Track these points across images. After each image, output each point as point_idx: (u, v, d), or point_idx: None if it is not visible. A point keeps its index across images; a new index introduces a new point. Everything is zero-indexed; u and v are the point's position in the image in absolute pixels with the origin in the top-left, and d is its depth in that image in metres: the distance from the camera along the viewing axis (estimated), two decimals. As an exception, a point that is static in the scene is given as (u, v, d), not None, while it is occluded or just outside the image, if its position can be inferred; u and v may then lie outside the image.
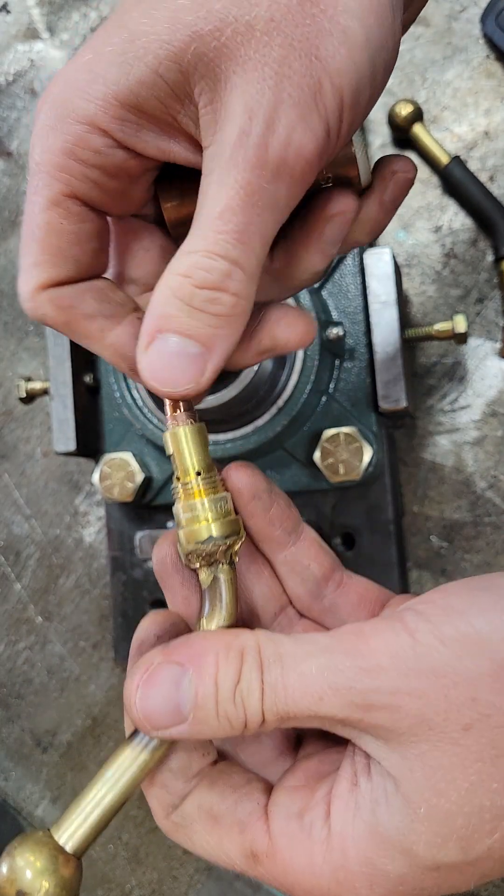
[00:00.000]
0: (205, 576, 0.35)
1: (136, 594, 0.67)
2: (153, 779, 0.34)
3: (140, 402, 0.61)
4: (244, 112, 0.29)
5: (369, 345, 0.58)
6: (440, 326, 0.58)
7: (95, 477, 0.62)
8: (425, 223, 0.65)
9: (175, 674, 0.31)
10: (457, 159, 0.63)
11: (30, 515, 0.75)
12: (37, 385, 0.66)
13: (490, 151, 0.64)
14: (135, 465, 0.60)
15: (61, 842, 0.30)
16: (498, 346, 0.63)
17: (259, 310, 0.35)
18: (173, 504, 0.36)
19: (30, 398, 0.66)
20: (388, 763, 0.30)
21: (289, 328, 0.36)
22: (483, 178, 0.64)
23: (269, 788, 0.34)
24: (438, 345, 0.64)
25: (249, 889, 0.66)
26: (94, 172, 0.32)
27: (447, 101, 0.66)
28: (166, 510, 0.64)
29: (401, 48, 0.66)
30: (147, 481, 0.61)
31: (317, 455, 0.57)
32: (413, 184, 0.37)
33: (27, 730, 0.74)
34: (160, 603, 0.67)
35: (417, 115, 0.64)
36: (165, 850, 0.70)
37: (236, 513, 0.36)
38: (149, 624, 0.36)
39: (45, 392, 0.66)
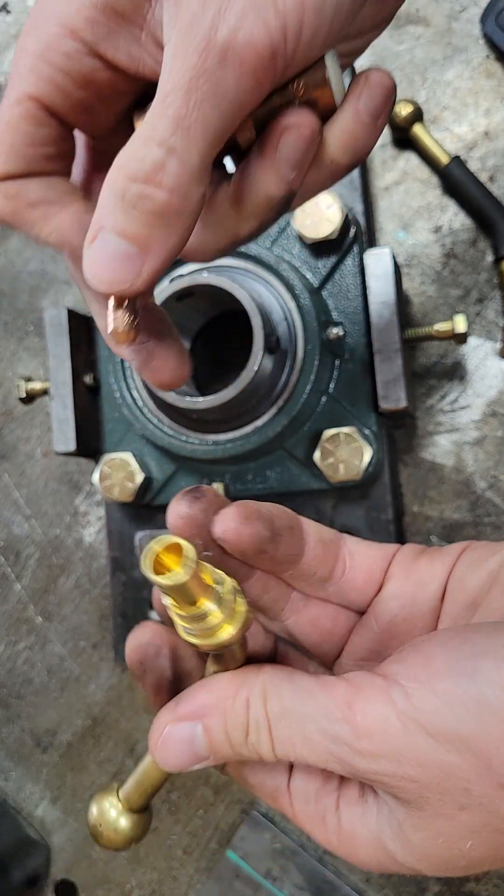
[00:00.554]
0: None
1: (136, 594, 0.67)
2: None
3: (140, 403, 0.61)
4: (199, 0, 0.29)
5: (369, 345, 0.58)
6: (440, 326, 0.58)
7: (95, 477, 0.62)
8: (425, 223, 0.65)
9: (187, 731, 0.33)
10: (457, 159, 0.63)
11: (30, 515, 0.75)
12: (37, 385, 0.66)
13: (490, 151, 0.64)
14: (135, 466, 0.60)
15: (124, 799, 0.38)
16: (498, 346, 0.63)
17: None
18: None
19: (30, 398, 0.66)
20: (395, 808, 0.31)
21: None
22: (483, 178, 0.64)
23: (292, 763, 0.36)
24: (438, 345, 0.64)
25: (250, 889, 0.66)
26: (62, 78, 0.32)
27: (447, 101, 0.66)
28: (166, 510, 0.64)
29: (400, 48, 0.66)
30: (147, 481, 0.61)
31: (317, 455, 0.57)
32: (393, 94, 0.34)
33: (27, 730, 0.74)
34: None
35: (417, 116, 0.64)
36: (165, 851, 0.70)
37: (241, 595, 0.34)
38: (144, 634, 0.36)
39: (45, 392, 0.66)
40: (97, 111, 0.34)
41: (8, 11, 0.79)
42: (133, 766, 0.71)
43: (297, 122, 0.33)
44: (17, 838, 0.72)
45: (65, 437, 0.63)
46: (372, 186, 0.67)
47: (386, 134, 0.67)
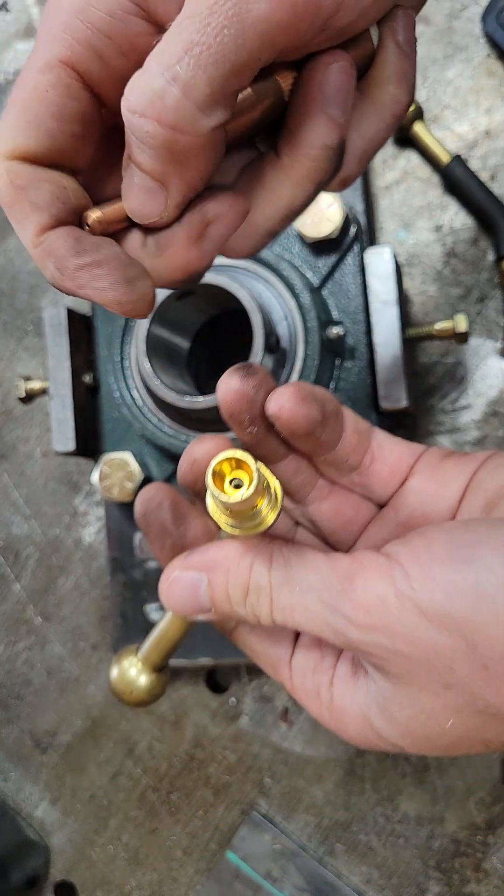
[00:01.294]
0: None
1: (135, 595, 0.67)
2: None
3: (139, 402, 0.61)
4: None
5: (370, 344, 0.58)
6: (441, 326, 0.58)
7: (95, 477, 0.61)
8: (426, 222, 0.65)
9: (193, 580, 0.35)
10: (458, 158, 0.63)
11: (29, 515, 0.75)
12: (36, 385, 0.66)
13: (491, 150, 0.64)
14: (134, 465, 0.60)
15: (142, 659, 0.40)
16: (499, 345, 0.63)
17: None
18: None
19: (29, 398, 0.66)
20: (382, 685, 0.33)
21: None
22: (484, 177, 0.64)
23: (297, 637, 0.38)
24: (439, 344, 0.64)
25: (250, 890, 0.66)
26: (102, 41, 0.28)
27: (448, 99, 0.66)
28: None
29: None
30: (146, 481, 0.61)
31: (317, 455, 0.57)
32: (415, 21, 0.33)
33: (26, 731, 0.74)
34: (161, 605, 0.67)
35: (418, 114, 0.64)
36: (165, 852, 0.70)
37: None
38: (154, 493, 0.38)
39: (44, 392, 0.66)
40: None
41: (7, 10, 0.79)
42: (131, 767, 0.71)
43: (336, 57, 0.30)
44: (16, 839, 0.72)
45: (64, 436, 0.63)
46: (372, 185, 0.66)
47: (386, 133, 0.67)
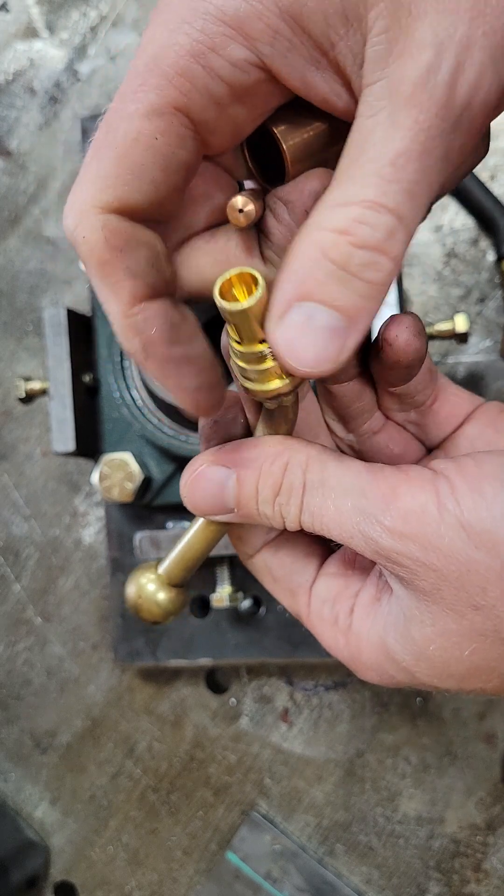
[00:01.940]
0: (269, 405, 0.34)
1: (135, 595, 0.67)
2: (235, 531, 0.37)
3: (139, 403, 0.61)
4: (433, 45, 0.24)
5: (370, 344, 0.58)
6: (441, 326, 0.58)
7: (94, 477, 0.61)
8: (426, 223, 0.65)
9: (221, 476, 0.33)
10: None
11: (29, 516, 0.75)
12: (36, 385, 0.66)
13: (491, 151, 0.64)
14: (134, 466, 0.60)
15: (163, 574, 0.38)
16: (499, 344, 0.63)
17: None
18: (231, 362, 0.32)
19: (29, 398, 0.66)
20: (406, 604, 0.31)
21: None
22: (483, 177, 0.64)
23: (321, 564, 0.37)
24: (440, 344, 0.64)
25: (249, 891, 0.66)
26: (221, 88, 0.27)
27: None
28: (166, 510, 0.64)
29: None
30: (146, 482, 0.61)
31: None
32: None
33: (26, 731, 0.74)
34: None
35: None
36: (165, 852, 0.70)
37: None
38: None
39: (44, 392, 0.66)
40: (239, 127, 0.29)
41: (7, 10, 0.79)
42: (131, 767, 0.71)
43: None
44: (16, 840, 0.72)
45: (64, 437, 0.63)
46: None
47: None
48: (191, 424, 0.60)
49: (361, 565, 0.36)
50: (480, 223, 0.64)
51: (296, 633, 0.63)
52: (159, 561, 0.38)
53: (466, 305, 0.64)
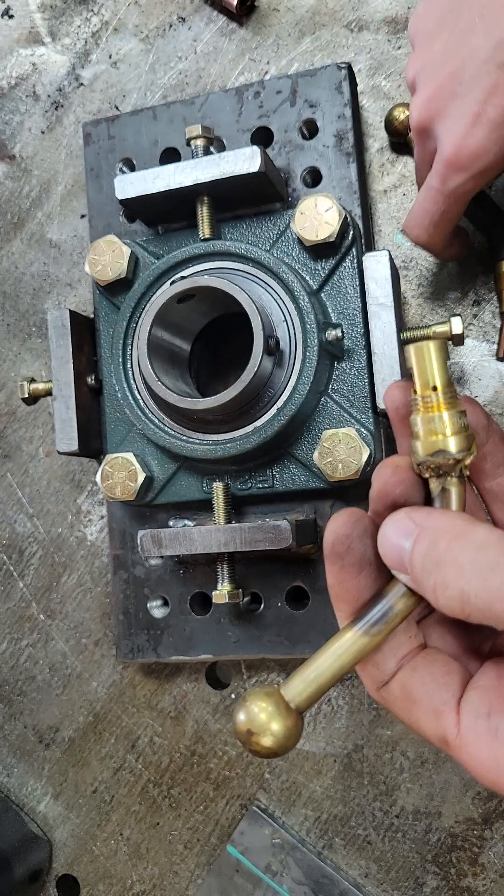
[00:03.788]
0: (434, 485, 0.36)
1: (137, 592, 0.67)
2: (368, 657, 0.36)
3: (142, 403, 0.62)
4: None
5: (368, 346, 0.59)
6: (437, 328, 0.59)
7: (98, 476, 0.62)
8: (423, 226, 0.66)
9: (407, 530, 0.34)
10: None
11: (33, 514, 0.76)
12: (40, 386, 0.67)
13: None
14: (136, 465, 0.61)
15: (287, 698, 0.35)
16: (494, 347, 0.64)
17: None
18: (411, 416, 0.37)
19: (33, 399, 0.67)
20: None
21: None
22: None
23: (466, 681, 0.36)
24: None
25: (249, 884, 0.67)
26: None
27: (445, 105, 0.67)
28: (168, 509, 0.65)
29: (398, 52, 0.67)
30: (148, 481, 0.62)
31: (316, 455, 0.58)
32: None
33: (30, 726, 0.75)
34: (163, 602, 0.68)
35: (415, 120, 0.65)
36: (166, 846, 0.71)
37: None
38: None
39: (47, 393, 0.67)
40: None
41: (11, 16, 0.80)
42: (133, 762, 0.72)
43: None
44: (19, 834, 0.73)
45: (67, 437, 0.63)
46: (370, 190, 0.67)
47: (383, 138, 0.68)
48: (193, 424, 0.61)
49: None
50: (476, 226, 0.65)
51: (295, 630, 0.64)
52: (281, 686, 0.35)
53: (462, 308, 0.65)
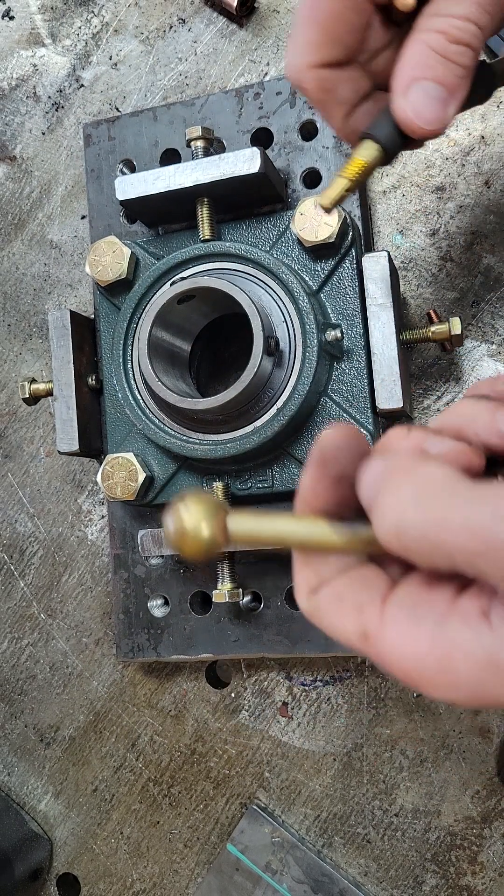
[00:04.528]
0: None
1: (138, 591, 0.68)
2: (308, 559, 0.35)
3: (142, 403, 0.62)
4: None
5: (367, 346, 0.59)
6: (436, 328, 0.59)
7: (98, 476, 0.62)
8: (422, 227, 0.66)
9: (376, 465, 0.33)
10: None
11: (33, 514, 0.76)
12: (40, 386, 0.67)
13: (486, 156, 0.65)
14: (137, 465, 0.61)
15: (228, 517, 0.33)
16: (493, 348, 0.64)
17: None
18: None
19: (33, 399, 0.67)
20: None
21: None
22: (479, 182, 0.65)
23: (395, 584, 0.34)
24: (435, 346, 0.65)
25: (249, 883, 0.67)
26: None
27: (444, 106, 0.67)
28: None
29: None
30: (149, 480, 0.62)
31: (315, 455, 0.58)
32: None
33: (30, 725, 0.75)
34: (164, 601, 0.68)
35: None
36: (167, 844, 0.71)
37: None
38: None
39: (48, 393, 0.67)
40: None
41: (11, 17, 0.81)
42: (133, 760, 0.72)
43: None
44: (20, 832, 0.73)
45: (68, 437, 0.64)
46: (370, 191, 0.68)
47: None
48: (193, 424, 0.61)
49: (450, 583, 0.33)
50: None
51: (295, 629, 0.64)
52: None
53: (461, 309, 0.65)
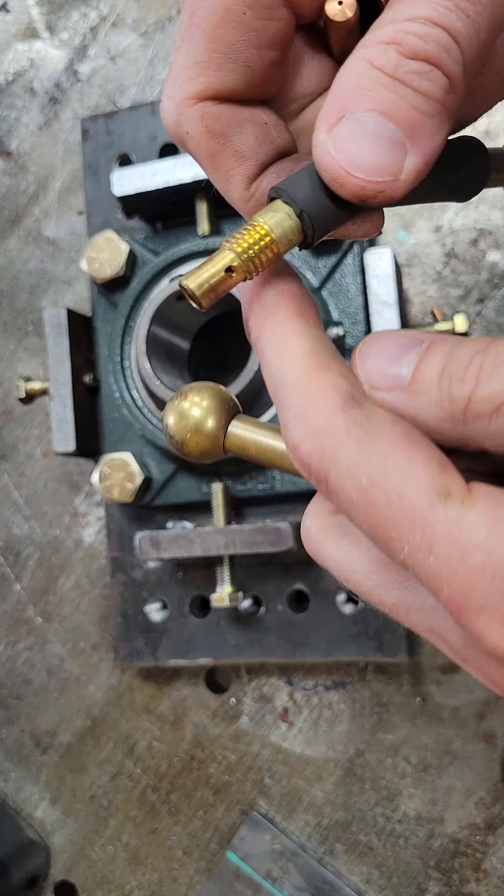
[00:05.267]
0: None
1: (135, 595, 0.67)
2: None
3: (140, 403, 0.61)
4: None
5: (370, 345, 0.58)
6: (440, 326, 0.58)
7: (95, 477, 0.62)
8: (426, 223, 0.65)
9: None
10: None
11: (29, 516, 0.75)
12: (36, 385, 0.66)
13: (490, 151, 0.64)
14: (134, 466, 0.60)
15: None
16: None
17: None
18: None
19: (29, 398, 0.67)
20: None
21: None
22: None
23: None
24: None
25: (249, 890, 0.66)
26: None
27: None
28: (166, 510, 0.64)
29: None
30: (147, 482, 0.61)
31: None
32: None
33: (27, 731, 0.74)
34: (162, 605, 0.67)
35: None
36: (165, 852, 0.70)
37: None
38: None
39: (44, 392, 0.66)
40: None
41: (7, 10, 0.79)
42: (131, 767, 0.71)
43: None
44: (16, 839, 0.72)
45: (64, 437, 0.63)
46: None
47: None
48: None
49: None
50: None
51: (296, 633, 0.63)
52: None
53: (466, 306, 0.64)
